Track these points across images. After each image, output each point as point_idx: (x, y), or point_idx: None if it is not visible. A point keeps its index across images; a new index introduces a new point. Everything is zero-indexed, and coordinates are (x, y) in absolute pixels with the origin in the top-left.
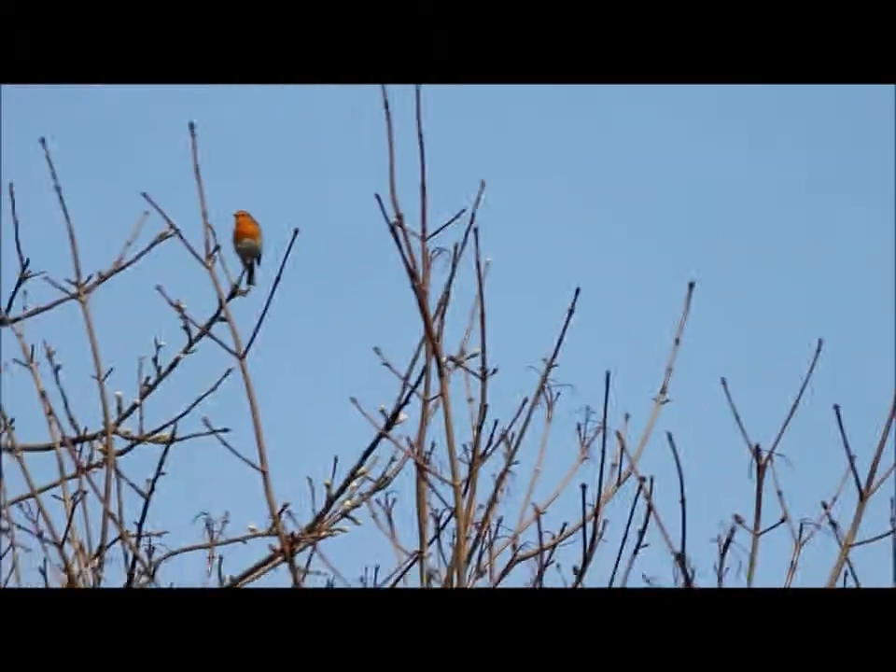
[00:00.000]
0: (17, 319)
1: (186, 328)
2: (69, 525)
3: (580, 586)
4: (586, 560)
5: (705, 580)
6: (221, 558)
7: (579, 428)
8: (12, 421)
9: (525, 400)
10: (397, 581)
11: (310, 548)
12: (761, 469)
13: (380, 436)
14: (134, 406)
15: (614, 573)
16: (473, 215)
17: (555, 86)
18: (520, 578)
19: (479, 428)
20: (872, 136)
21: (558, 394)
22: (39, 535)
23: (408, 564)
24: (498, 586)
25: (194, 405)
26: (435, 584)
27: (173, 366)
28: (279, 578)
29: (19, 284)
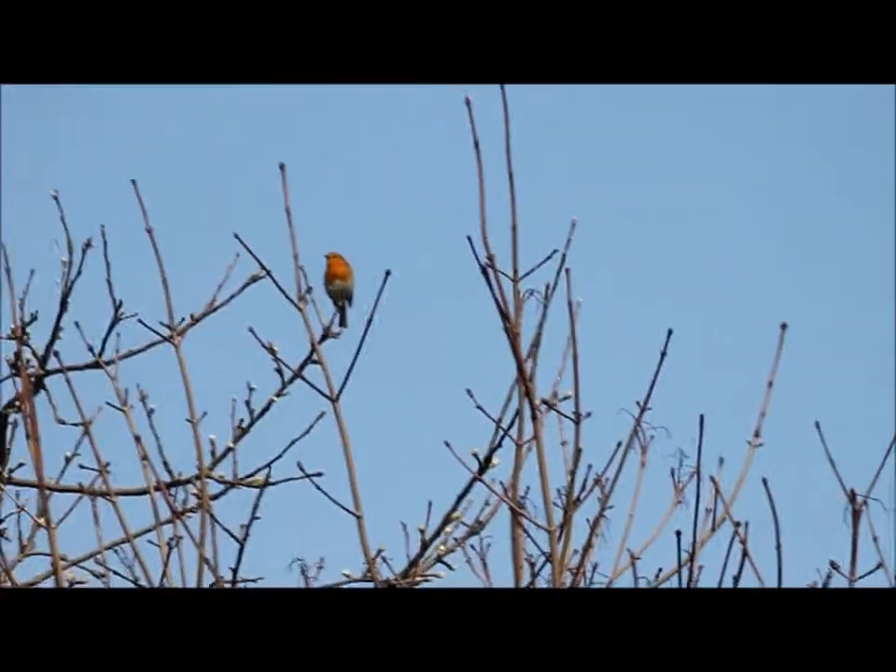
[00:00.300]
0: (110, 362)
1: (279, 370)
2: (164, 571)
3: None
4: None
5: None
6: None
7: (673, 473)
8: (107, 465)
9: (619, 444)
10: None
11: None
12: (856, 514)
13: (473, 480)
14: (228, 450)
15: None
16: (564, 255)
17: (654, 123)
18: None
19: (573, 473)
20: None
21: (652, 437)
22: (135, 581)
23: None
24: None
25: (287, 448)
26: None
27: (266, 409)
28: None
29: (112, 326)
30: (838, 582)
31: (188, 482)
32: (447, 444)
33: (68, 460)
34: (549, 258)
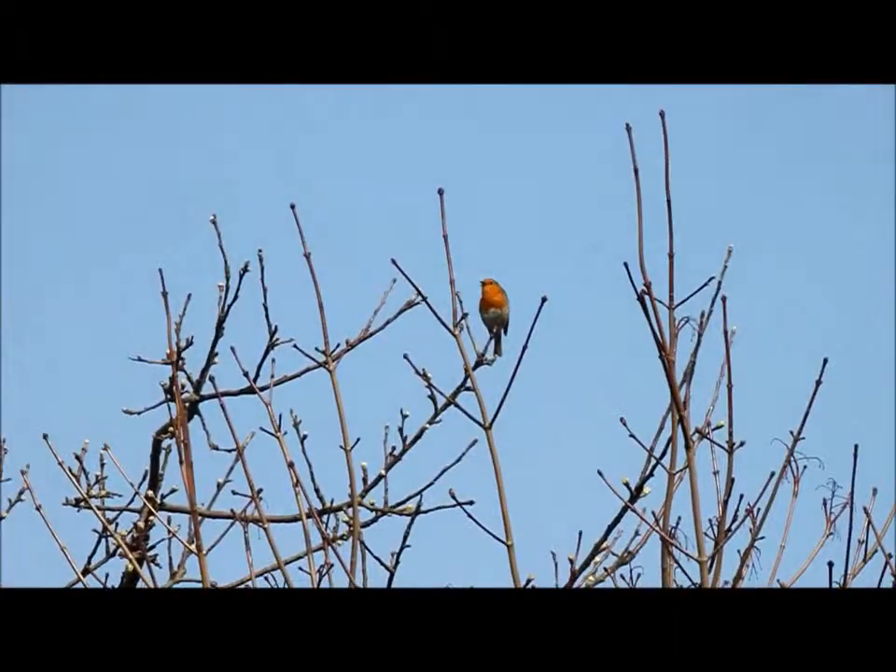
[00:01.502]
0: (265, 388)
1: (432, 397)
2: None
3: None
4: None
5: None
6: None
7: (825, 503)
8: (259, 491)
9: (772, 474)
10: None
11: None
12: None
13: (624, 509)
14: (380, 477)
15: None
16: (720, 283)
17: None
18: None
19: (725, 503)
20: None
21: (805, 468)
22: None
23: None
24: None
25: (439, 476)
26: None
27: (418, 436)
28: None
29: (267, 352)
30: None
31: (339, 509)
32: (599, 473)
33: (220, 486)
34: (705, 285)
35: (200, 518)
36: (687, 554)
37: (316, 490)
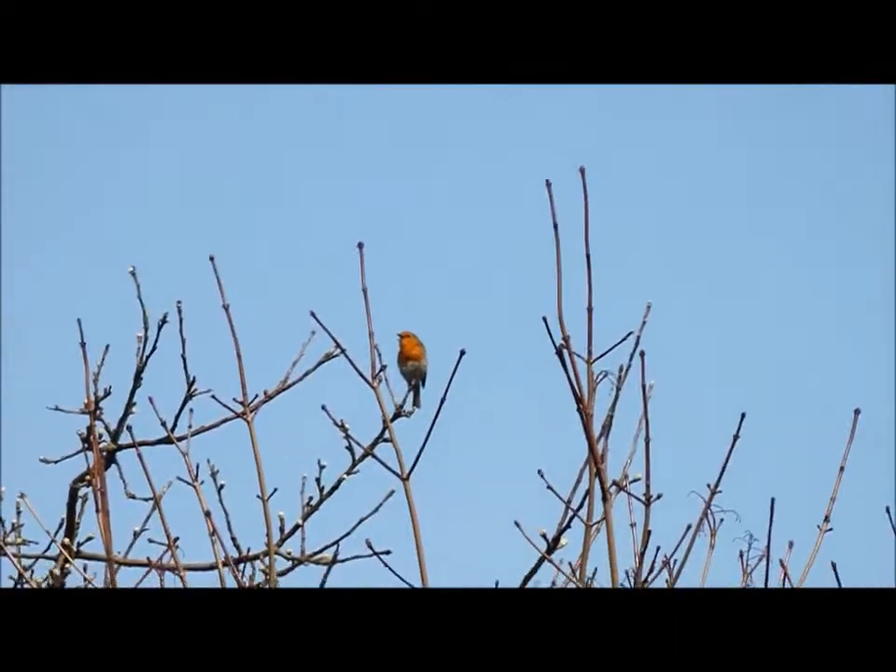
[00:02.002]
0: (183, 437)
1: (350, 448)
2: None
3: None
4: None
5: None
6: None
7: (742, 555)
8: (176, 540)
9: (689, 527)
10: None
11: None
12: None
13: (541, 560)
14: (297, 526)
15: None
16: (638, 338)
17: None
18: None
19: (642, 554)
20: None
21: (721, 520)
22: None
23: None
24: None
25: (356, 526)
26: None
27: (336, 486)
28: None
29: (185, 402)
30: None
31: (256, 557)
32: (517, 524)
33: (137, 535)
34: (623, 339)
35: (116, 566)
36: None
37: (233, 539)
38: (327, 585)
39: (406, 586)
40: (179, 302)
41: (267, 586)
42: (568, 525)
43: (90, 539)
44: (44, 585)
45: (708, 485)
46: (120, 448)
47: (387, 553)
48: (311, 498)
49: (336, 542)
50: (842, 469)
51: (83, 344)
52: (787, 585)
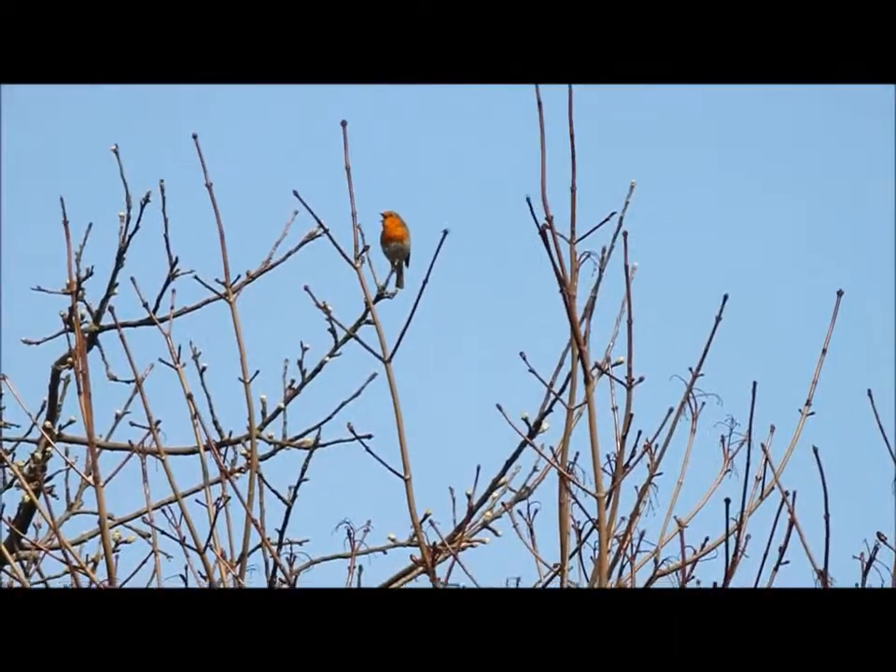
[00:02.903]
0: (165, 319)
1: (332, 330)
2: (211, 532)
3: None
4: (728, 576)
5: None
6: (361, 568)
7: (723, 440)
8: (157, 423)
9: (671, 410)
10: None
11: (450, 559)
12: None
13: (523, 444)
14: (279, 410)
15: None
16: (622, 218)
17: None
18: None
19: (623, 438)
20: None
21: (703, 404)
22: (182, 541)
23: (549, 577)
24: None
25: (338, 410)
26: None
27: (318, 369)
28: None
29: (167, 283)
30: (885, 554)
31: (237, 441)
32: (498, 407)
33: (119, 417)
34: (606, 220)
35: (98, 450)
36: (585, 490)
37: (215, 423)
38: (308, 469)
39: (388, 470)
40: (162, 181)
41: (248, 471)
42: (550, 409)
43: (71, 422)
44: (25, 469)
45: (690, 369)
46: (102, 329)
47: (369, 436)
48: (293, 381)
49: (318, 426)
50: (824, 351)
51: (66, 223)
52: (768, 470)
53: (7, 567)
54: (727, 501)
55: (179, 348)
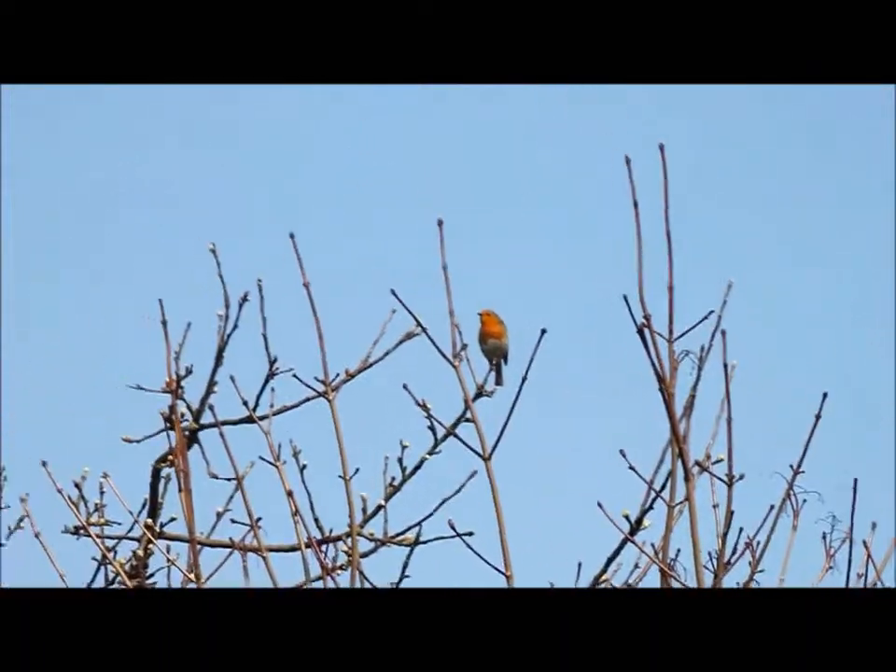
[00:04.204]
0: (264, 417)
1: (431, 428)
2: None
3: None
4: None
5: None
6: None
7: (824, 537)
8: (258, 520)
9: (772, 507)
10: None
11: None
12: None
13: (624, 541)
14: (379, 507)
15: None
16: (720, 317)
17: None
18: None
19: (724, 535)
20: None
21: (804, 501)
22: None
23: None
24: None
25: (439, 507)
26: None
27: (418, 467)
28: None
29: (266, 381)
30: None
31: (338, 539)
32: (599, 505)
33: (220, 515)
34: (705, 318)
35: (199, 546)
36: (685, 586)
37: (315, 520)
38: (409, 566)
39: (489, 568)
40: (260, 280)
41: (349, 568)
42: (651, 506)
43: (173, 519)
44: (127, 566)
45: (791, 466)
46: (202, 427)
47: (470, 534)
48: (393, 479)
49: (419, 523)
50: None
51: (164, 323)
52: (870, 567)
53: None
54: None
55: (279, 446)
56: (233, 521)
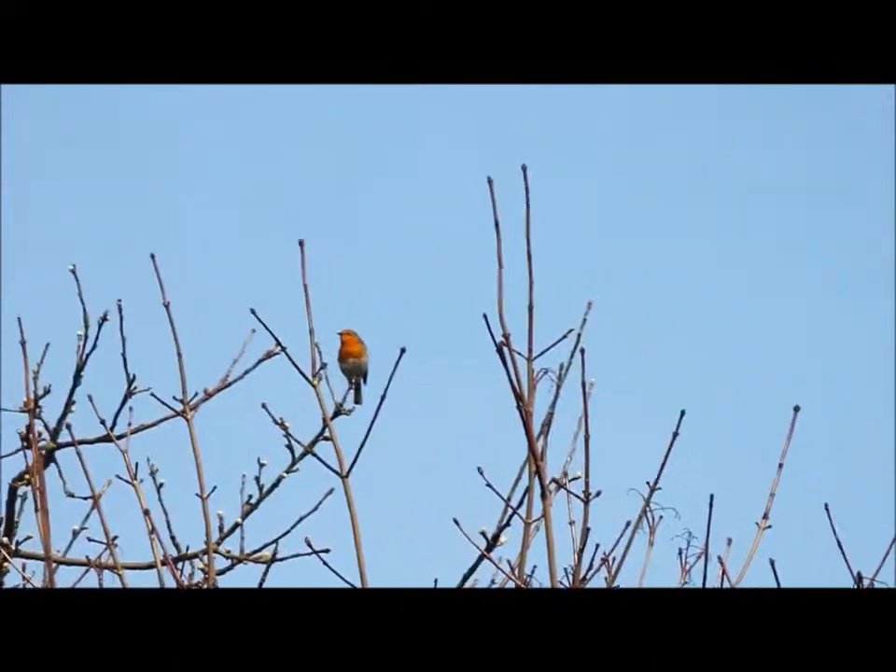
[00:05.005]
0: (122, 436)
1: (289, 446)
2: None
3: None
4: None
5: None
6: None
7: (680, 553)
8: (115, 539)
9: (628, 524)
10: None
11: None
12: None
13: (481, 558)
14: (236, 525)
15: None
16: (579, 335)
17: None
18: None
19: (580, 552)
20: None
21: (660, 518)
22: None
23: None
24: None
25: (296, 525)
26: None
27: (275, 485)
28: None
29: (125, 400)
30: None
31: (195, 556)
32: (455, 522)
33: (76, 533)
34: (564, 337)
35: (55, 565)
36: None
37: (172, 537)
38: (266, 584)
39: (345, 585)
40: (119, 301)
41: (206, 585)
42: (508, 523)
43: (28, 537)
44: None
45: (648, 483)
46: (60, 447)
47: (326, 551)
48: (250, 497)
49: (275, 541)
50: (781, 465)
51: (23, 343)
52: (725, 584)
53: None
54: None
55: (136, 465)
56: (90, 539)
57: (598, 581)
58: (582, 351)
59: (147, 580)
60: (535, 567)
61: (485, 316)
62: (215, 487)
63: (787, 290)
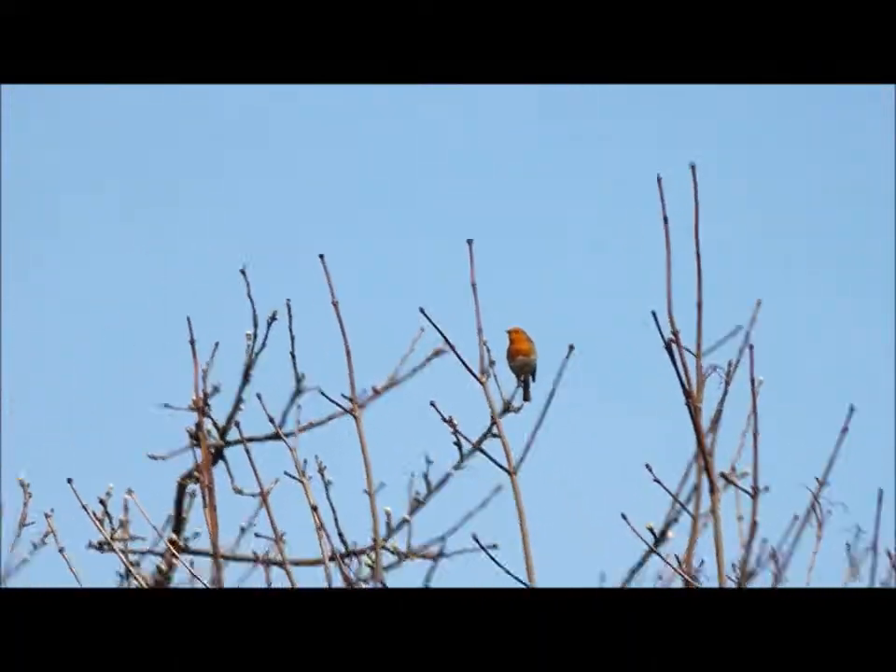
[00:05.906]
0: (290, 434)
1: (458, 443)
2: None
3: None
4: None
5: None
6: None
7: (849, 548)
8: (282, 535)
9: (796, 518)
10: None
11: None
12: None
13: (648, 553)
14: (404, 521)
15: None
16: (748, 333)
17: None
18: None
19: (748, 546)
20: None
21: (829, 512)
22: None
23: None
24: None
25: (464, 521)
26: None
27: (443, 482)
28: None
29: (293, 398)
30: None
31: (362, 552)
32: (624, 517)
33: (244, 530)
34: (732, 334)
35: (222, 560)
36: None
37: (340, 534)
38: (433, 580)
39: (513, 580)
40: (289, 300)
41: (373, 582)
42: (676, 519)
43: (197, 534)
44: (151, 581)
45: (816, 478)
46: (228, 444)
47: (494, 547)
48: (418, 493)
49: (443, 537)
50: None
51: (192, 342)
52: (893, 577)
53: None
54: None
55: (305, 462)
56: (258, 535)
57: (766, 576)
58: (751, 347)
59: (314, 575)
60: (703, 561)
61: (654, 314)
62: (382, 484)
63: None
